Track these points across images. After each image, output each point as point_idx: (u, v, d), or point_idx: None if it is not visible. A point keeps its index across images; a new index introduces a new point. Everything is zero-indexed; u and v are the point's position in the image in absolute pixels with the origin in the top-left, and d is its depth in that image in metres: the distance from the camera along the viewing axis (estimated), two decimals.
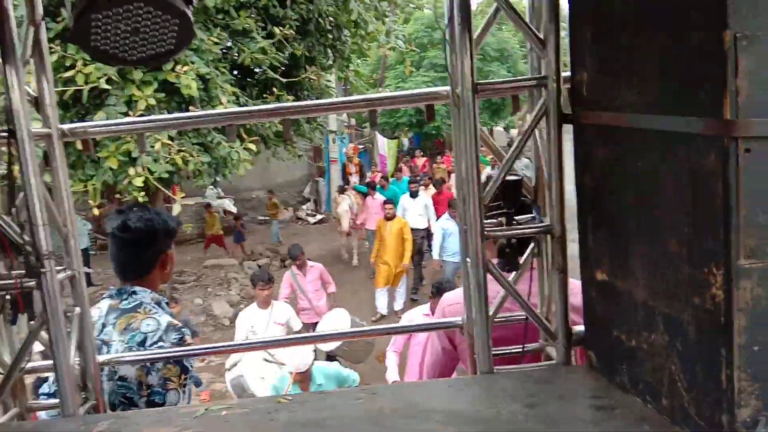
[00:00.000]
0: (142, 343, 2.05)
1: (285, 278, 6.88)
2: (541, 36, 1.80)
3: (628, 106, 1.51)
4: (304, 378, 3.93)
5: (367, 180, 13.48)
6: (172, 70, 5.68)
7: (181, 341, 2.09)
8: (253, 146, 6.70)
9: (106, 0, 1.61)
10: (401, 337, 4.07)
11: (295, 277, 6.70)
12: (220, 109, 5.39)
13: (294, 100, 7.28)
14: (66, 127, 2.00)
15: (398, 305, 9.39)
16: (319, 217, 16.23)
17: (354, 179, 13.08)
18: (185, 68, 5.65)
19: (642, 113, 1.46)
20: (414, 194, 10.28)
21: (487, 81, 1.88)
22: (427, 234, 10.18)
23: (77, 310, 1.91)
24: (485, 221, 1.91)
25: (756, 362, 1.30)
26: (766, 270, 1.27)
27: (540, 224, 1.97)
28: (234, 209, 14.63)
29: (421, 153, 21.31)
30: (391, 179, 13.79)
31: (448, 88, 1.97)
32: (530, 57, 1.91)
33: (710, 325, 1.35)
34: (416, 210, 10.10)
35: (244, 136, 6.64)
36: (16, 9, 1.86)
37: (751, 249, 1.26)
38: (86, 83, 5.33)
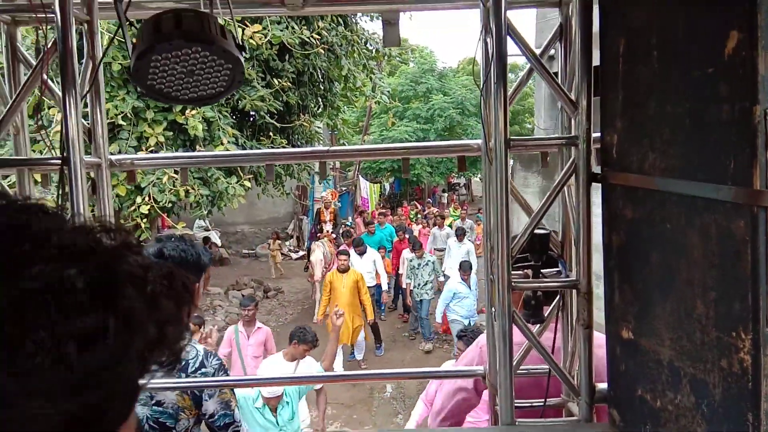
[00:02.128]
0: (184, 369, 2.11)
1: (227, 334, 6.09)
2: (573, 97, 1.87)
3: (655, 169, 1.56)
4: (276, 401, 4.08)
5: (342, 229, 13.03)
6: (181, 112, 6.32)
7: (221, 366, 2.17)
8: (248, 183, 7.36)
9: (167, 42, 1.72)
10: (434, 387, 4.02)
11: (238, 335, 5.91)
12: (220, 150, 6.31)
13: (286, 144, 8.28)
14: (114, 157, 2.10)
15: (360, 356, 8.79)
16: (301, 253, 16.44)
17: (327, 227, 12.52)
18: (193, 111, 6.31)
19: (670, 177, 1.51)
20: (361, 254, 9.56)
21: (519, 137, 1.95)
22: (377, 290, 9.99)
23: None
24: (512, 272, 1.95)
25: None
26: None
27: (566, 279, 2.00)
28: (219, 242, 15.18)
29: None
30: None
31: (479, 141, 2.04)
32: (561, 116, 1.98)
33: (737, 390, 1.36)
34: (364, 267, 9.37)
35: (240, 173, 7.26)
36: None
37: None
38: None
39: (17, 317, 0.47)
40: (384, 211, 17.42)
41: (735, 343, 1.34)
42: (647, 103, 1.63)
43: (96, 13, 2.02)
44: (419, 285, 9.40)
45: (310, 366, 4.91)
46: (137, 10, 2.04)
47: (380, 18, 2.20)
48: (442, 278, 9.74)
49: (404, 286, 10.04)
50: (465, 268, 8.41)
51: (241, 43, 1.83)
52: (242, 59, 1.81)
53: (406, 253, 10.15)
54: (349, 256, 8.42)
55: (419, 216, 17.50)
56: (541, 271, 2.00)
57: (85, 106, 2.06)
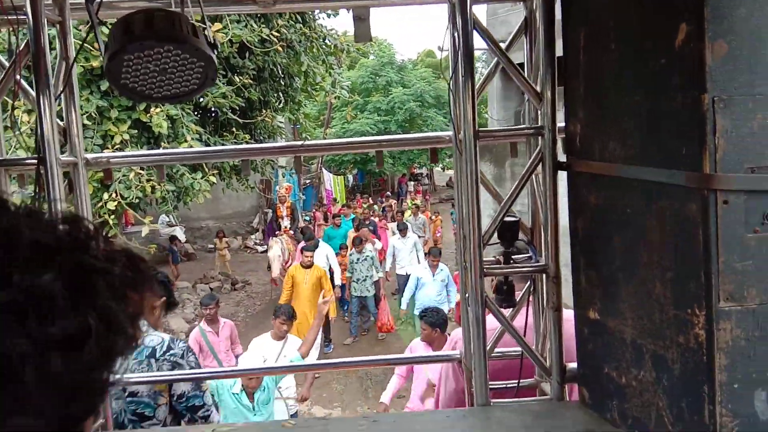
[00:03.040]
0: (152, 356, 2.17)
1: (193, 336, 5.86)
2: (538, 89, 1.94)
3: (616, 156, 1.63)
4: (256, 384, 4.13)
5: (301, 225, 12.66)
6: (145, 110, 6.47)
7: (189, 348, 2.24)
8: (213, 178, 7.51)
9: (138, 43, 1.74)
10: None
11: (206, 335, 5.75)
12: (185, 147, 6.40)
13: (249, 139, 8.42)
14: (90, 156, 2.12)
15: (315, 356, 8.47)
16: (266, 246, 16.50)
17: (285, 223, 12.05)
18: (157, 110, 6.47)
19: (629, 164, 1.58)
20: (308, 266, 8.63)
21: (487, 129, 2.01)
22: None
23: None
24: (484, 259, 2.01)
25: (736, 399, 1.39)
26: (744, 312, 1.37)
27: (536, 264, 2.07)
28: (183, 237, 15.27)
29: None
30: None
31: (450, 133, 2.10)
32: (527, 107, 2.04)
33: (694, 363, 1.44)
34: (316, 261, 8.71)
35: (205, 169, 7.44)
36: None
37: (729, 293, 1.36)
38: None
39: None
40: (349, 203, 17.34)
41: (691, 319, 1.42)
42: (607, 93, 1.70)
43: (68, 13, 2.03)
44: (358, 280, 9.19)
45: (294, 345, 5.04)
46: (109, 10, 2.05)
47: (350, 13, 2.24)
48: (381, 273, 9.55)
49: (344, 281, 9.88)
50: (434, 253, 8.45)
51: (212, 41, 1.86)
52: (214, 57, 1.84)
53: (394, 240, 10.16)
54: (313, 252, 8.12)
55: (374, 209, 17.33)
56: (512, 257, 2.06)
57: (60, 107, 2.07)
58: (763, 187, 1.34)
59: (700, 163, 1.34)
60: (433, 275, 8.23)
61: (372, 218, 13.61)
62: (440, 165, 25.69)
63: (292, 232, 11.68)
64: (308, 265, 7.92)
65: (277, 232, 11.61)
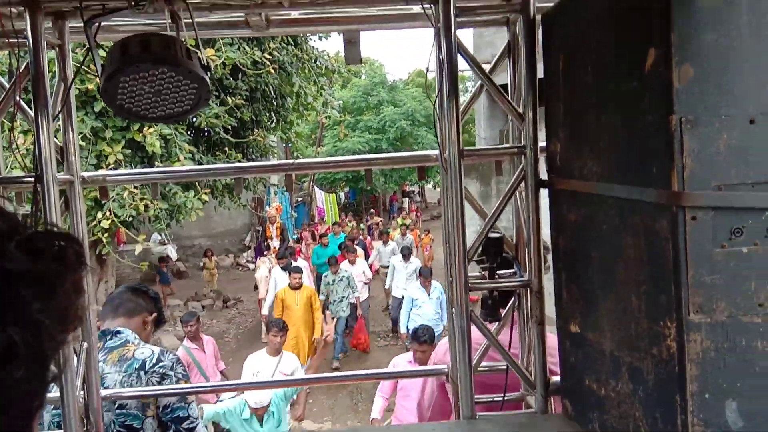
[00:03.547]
0: (141, 368, 2.22)
1: (179, 355, 5.62)
2: (520, 110, 2.01)
3: (593, 174, 1.70)
4: (263, 411, 4.13)
5: (288, 245, 11.99)
6: (139, 130, 6.63)
7: (178, 360, 2.28)
8: (206, 197, 7.66)
9: (134, 65, 1.81)
10: (388, 382, 4.20)
11: (191, 352, 5.70)
12: (178, 165, 6.58)
13: (242, 158, 8.56)
14: (87, 174, 2.18)
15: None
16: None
17: (274, 243, 11.65)
18: (151, 130, 6.63)
19: (605, 182, 1.64)
20: (284, 268, 8.70)
21: (472, 148, 2.08)
22: None
23: (85, 345, 2.03)
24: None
25: (707, 409, 1.43)
26: (713, 324, 1.42)
27: (520, 279, 2.13)
28: (175, 255, 15.31)
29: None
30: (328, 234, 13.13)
31: (437, 152, 2.16)
32: (511, 127, 2.11)
33: (666, 374, 1.49)
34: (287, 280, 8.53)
35: (198, 187, 7.60)
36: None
37: (699, 305, 1.41)
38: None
39: None
40: (339, 221, 17.24)
41: (663, 331, 1.48)
42: (585, 114, 1.77)
43: (67, 36, 2.10)
44: (334, 301, 9.07)
45: (291, 361, 5.06)
46: (107, 33, 2.13)
47: (341, 36, 2.32)
48: (358, 294, 9.39)
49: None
50: (425, 274, 8.47)
51: (206, 63, 1.94)
52: (207, 79, 1.92)
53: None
54: (301, 273, 8.04)
55: (360, 227, 17.05)
56: (497, 272, 2.12)
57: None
58: (730, 204, 1.40)
59: (669, 181, 1.40)
60: (429, 294, 8.24)
61: (360, 237, 13.55)
62: (432, 182, 25.92)
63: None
64: (297, 287, 7.82)
65: (265, 252, 11.41)
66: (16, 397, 0.48)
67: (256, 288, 10.49)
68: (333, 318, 8.75)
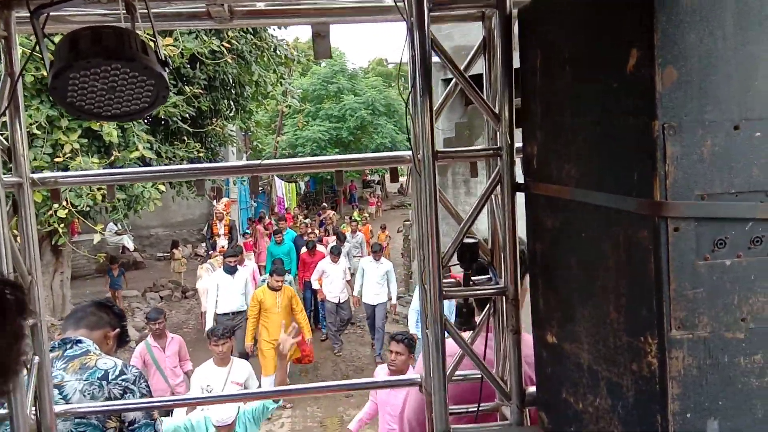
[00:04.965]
0: (104, 378, 2.16)
1: (138, 351, 5.70)
2: (496, 110, 1.92)
3: (571, 179, 1.62)
4: (225, 430, 3.86)
5: (236, 244, 10.99)
6: None
7: (141, 374, 2.23)
8: (163, 186, 7.61)
9: (85, 60, 1.68)
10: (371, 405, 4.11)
11: (151, 350, 5.59)
12: (136, 155, 6.70)
13: (200, 147, 8.51)
14: (36, 176, 2.04)
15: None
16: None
17: (222, 242, 10.71)
18: None
19: (583, 187, 1.56)
20: (230, 270, 8.07)
21: (446, 149, 1.99)
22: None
23: (36, 359, 1.91)
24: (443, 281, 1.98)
25: (689, 429, 1.37)
26: (696, 341, 1.35)
27: (495, 285, 2.05)
28: (132, 245, 14.92)
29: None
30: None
31: (410, 152, 2.07)
32: (486, 128, 2.02)
33: (647, 392, 1.42)
34: (236, 287, 8.03)
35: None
36: None
37: (680, 321, 1.34)
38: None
39: None
40: (286, 216, 16.28)
41: (643, 347, 1.40)
42: (563, 115, 1.69)
43: (13, 28, 1.96)
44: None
45: (242, 369, 4.86)
46: (58, 24, 2.00)
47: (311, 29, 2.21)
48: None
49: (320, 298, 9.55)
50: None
51: (164, 58, 1.81)
52: (165, 75, 1.79)
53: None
54: (283, 276, 7.61)
55: (305, 222, 16.20)
56: (472, 278, 2.03)
57: (4, 125, 2.00)
58: (713, 214, 1.33)
59: (651, 190, 1.32)
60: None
61: (310, 234, 12.61)
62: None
63: None
64: (278, 288, 7.47)
65: (211, 252, 10.41)
66: None
67: (187, 292, 9.69)
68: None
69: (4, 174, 1.94)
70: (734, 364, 1.37)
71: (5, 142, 1.96)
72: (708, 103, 1.32)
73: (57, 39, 1.76)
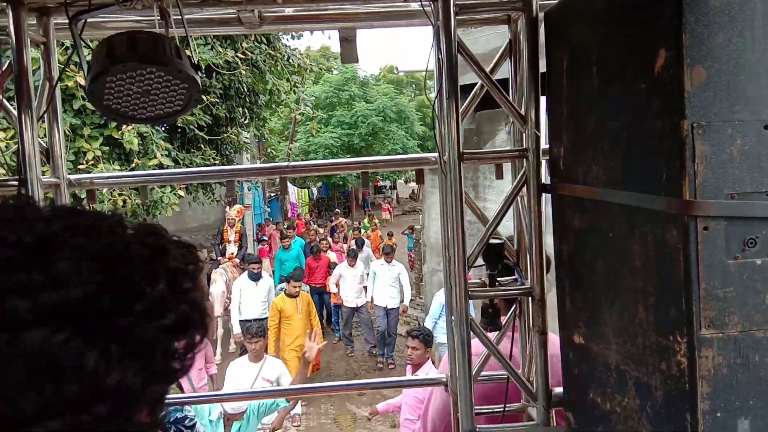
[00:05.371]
0: None
1: None
2: (522, 112, 1.93)
3: (598, 180, 1.63)
4: (238, 417, 3.99)
5: (247, 251, 11.07)
6: (117, 128, 6.80)
7: None
8: (182, 192, 7.82)
9: (121, 65, 1.74)
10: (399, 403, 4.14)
11: None
12: (155, 162, 6.87)
13: (216, 155, 8.82)
14: (73, 177, 2.10)
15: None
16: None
17: (232, 249, 10.67)
18: (128, 127, 6.79)
19: (611, 188, 1.57)
20: (255, 277, 8.14)
21: (472, 150, 2.00)
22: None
23: None
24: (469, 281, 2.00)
25: (719, 428, 1.37)
26: (726, 340, 1.35)
27: (521, 286, 2.06)
28: None
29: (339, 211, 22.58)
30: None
31: (436, 154, 2.09)
32: (512, 129, 2.04)
33: (676, 391, 1.42)
34: (258, 296, 8.09)
35: (175, 183, 7.59)
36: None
37: (710, 320, 1.34)
38: (43, 136, 6.05)
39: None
40: (292, 222, 16.05)
41: (672, 346, 1.41)
42: (589, 117, 1.70)
43: (52, 34, 2.03)
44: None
45: (272, 366, 4.93)
46: (94, 30, 2.06)
47: (338, 34, 2.25)
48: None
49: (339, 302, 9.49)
50: (386, 251, 8.78)
51: (196, 62, 1.86)
52: (198, 78, 1.84)
53: (341, 268, 9.61)
54: (300, 282, 7.62)
55: (315, 229, 16.00)
56: (497, 279, 2.05)
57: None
58: (743, 213, 1.33)
59: (680, 189, 1.33)
60: (388, 265, 8.67)
61: (322, 242, 12.43)
62: (402, 177, 26.10)
63: (238, 260, 10.40)
64: (296, 294, 7.50)
65: (220, 259, 10.38)
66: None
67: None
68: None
69: (43, 175, 2.00)
70: (765, 363, 1.37)
71: (44, 144, 2.02)
72: (737, 103, 1.32)
73: (93, 45, 1.82)
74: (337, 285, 9.56)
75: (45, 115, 2.02)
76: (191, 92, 1.88)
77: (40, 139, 2.00)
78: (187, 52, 1.85)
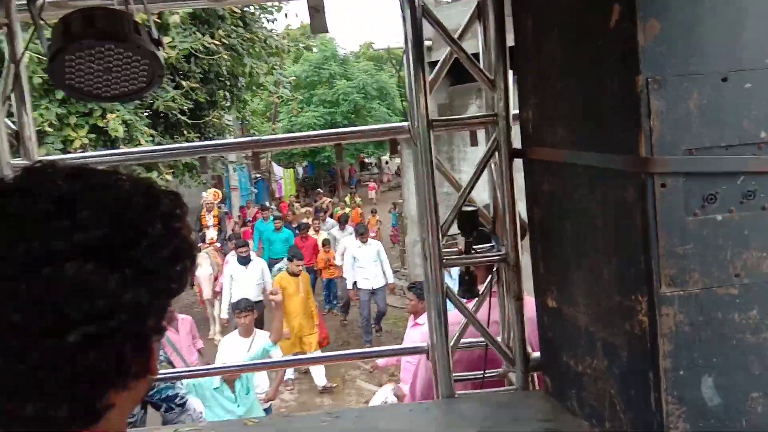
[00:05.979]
0: None
1: None
2: (491, 77, 1.90)
3: (563, 142, 1.60)
4: (234, 376, 4.18)
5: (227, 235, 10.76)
6: (102, 116, 7.04)
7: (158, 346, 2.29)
8: (169, 176, 7.99)
9: (78, 42, 1.72)
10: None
11: (167, 335, 5.32)
12: (141, 147, 6.84)
13: (200, 138, 8.96)
14: (45, 159, 2.10)
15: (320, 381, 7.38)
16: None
17: (211, 234, 10.22)
18: (113, 115, 7.07)
19: (574, 149, 1.55)
20: (244, 261, 7.93)
21: (441, 118, 1.98)
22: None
23: None
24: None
25: (682, 386, 1.36)
26: (687, 297, 1.34)
27: (497, 253, 2.05)
28: None
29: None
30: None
31: (408, 123, 2.07)
32: (483, 101, 2.01)
33: (639, 350, 1.42)
34: (251, 278, 7.90)
35: (161, 168, 7.88)
36: None
37: (671, 278, 1.33)
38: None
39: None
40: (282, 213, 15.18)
41: (635, 306, 1.40)
42: (554, 79, 1.67)
43: (14, 15, 2.01)
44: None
45: (262, 338, 5.10)
46: (57, 9, 2.03)
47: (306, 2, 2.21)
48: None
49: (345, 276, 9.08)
50: (360, 230, 8.86)
51: (157, 38, 1.84)
52: (158, 53, 1.82)
53: (352, 247, 8.97)
54: (302, 261, 7.54)
55: (297, 210, 15.75)
56: (473, 246, 2.04)
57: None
58: (702, 169, 1.31)
59: (636, 147, 1.31)
60: (365, 245, 8.65)
61: (314, 222, 12.12)
62: (387, 154, 26.35)
63: (218, 244, 10.13)
64: (299, 273, 7.48)
65: (201, 245, 9.97)
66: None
67: (192, 285, 8.84)
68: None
69: (13, 158, 2.00)
70: (728, 320, 1.36)
71: (13, 126, 2.02)
72: (693, 56, 1.29)
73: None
74: (343, 257, 9.30)
75: (13, 99, 2.01)
76: (153, 68, 1.86)
77: (8, 120, 1.99)
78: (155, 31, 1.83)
